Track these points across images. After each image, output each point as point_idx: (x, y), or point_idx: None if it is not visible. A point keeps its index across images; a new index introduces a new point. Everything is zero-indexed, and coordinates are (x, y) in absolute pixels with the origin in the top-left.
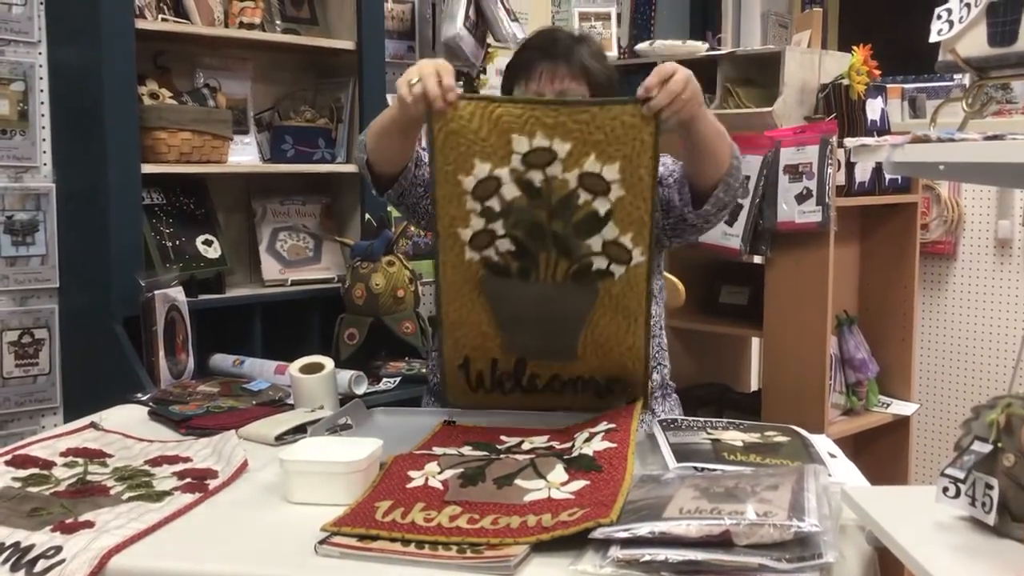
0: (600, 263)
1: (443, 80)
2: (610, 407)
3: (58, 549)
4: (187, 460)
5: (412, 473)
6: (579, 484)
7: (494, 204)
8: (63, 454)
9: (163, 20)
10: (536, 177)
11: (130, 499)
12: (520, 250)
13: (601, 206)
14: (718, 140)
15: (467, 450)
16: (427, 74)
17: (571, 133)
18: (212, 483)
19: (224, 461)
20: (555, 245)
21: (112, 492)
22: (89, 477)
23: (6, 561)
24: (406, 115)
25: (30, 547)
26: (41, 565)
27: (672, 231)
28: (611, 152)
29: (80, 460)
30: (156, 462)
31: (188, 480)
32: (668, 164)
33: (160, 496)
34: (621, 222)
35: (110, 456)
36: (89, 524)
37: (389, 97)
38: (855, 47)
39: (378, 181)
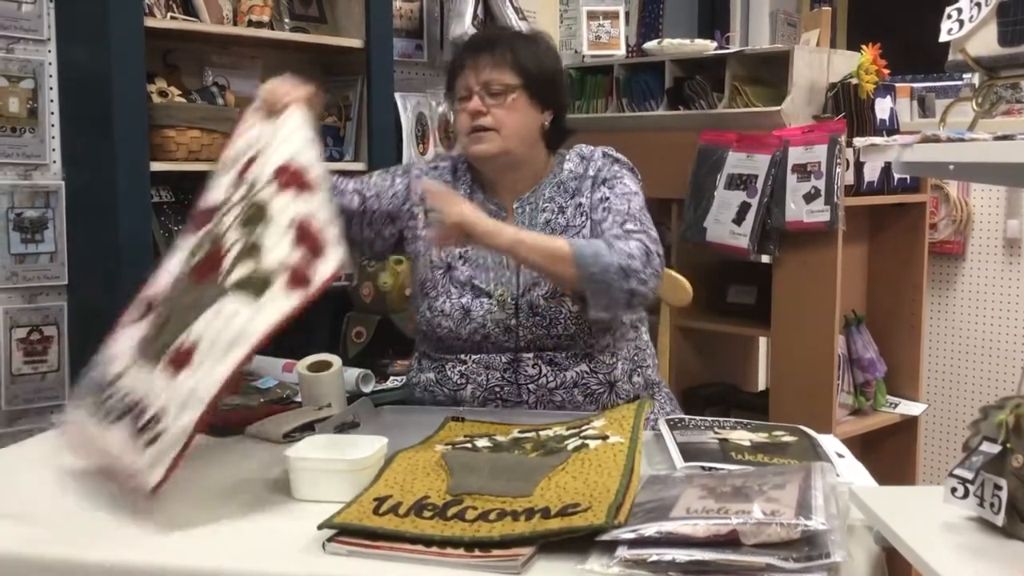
0: (574, 443)
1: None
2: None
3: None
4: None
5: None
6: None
7: None
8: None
9: (172, 18)
10: None
11: (233, 288)
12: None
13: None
14: (530, 254)
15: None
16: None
17: None
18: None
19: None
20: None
21: (223, 267)
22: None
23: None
24: None
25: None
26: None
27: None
28: None
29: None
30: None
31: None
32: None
33: (262, 287)
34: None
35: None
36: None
37: (397, 96)
38: (864, 46)
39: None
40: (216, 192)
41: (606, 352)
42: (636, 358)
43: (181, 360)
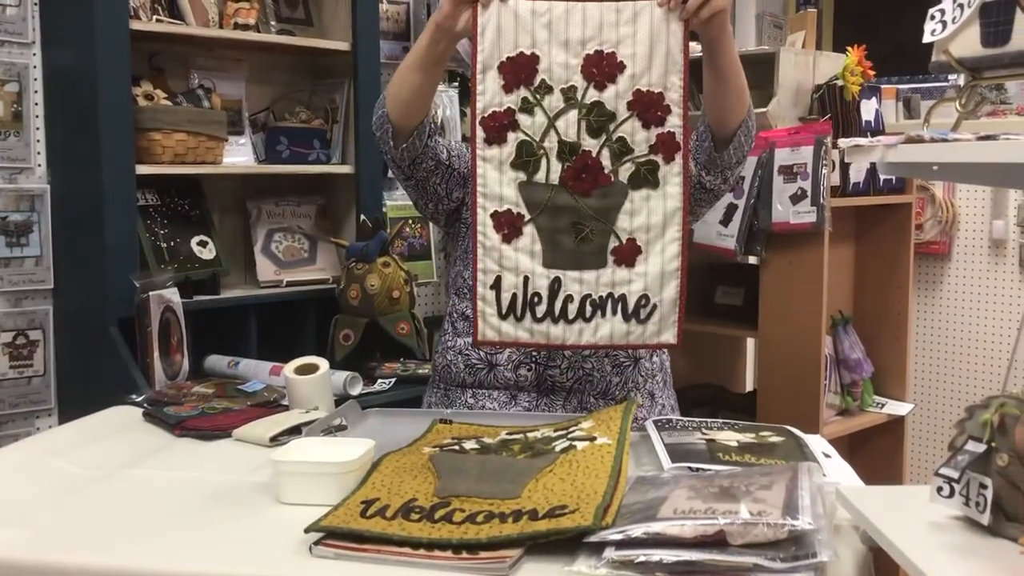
0: (561, 444)
1: None
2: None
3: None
4: None
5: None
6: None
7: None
8: None
9: (157, 21)
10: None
11: (632, 184)
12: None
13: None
14: (740, 73)
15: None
16: None
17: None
18: None
19: None
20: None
21: (606, 170)
22: None
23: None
24: (434, 36)
25: None
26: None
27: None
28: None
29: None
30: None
31: None
32: None
33: (653, 172)
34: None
35: None
36: (634, 249)
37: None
38: (849, 48)
39: (396, 135)
40: (490, 96)
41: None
42: None
43: (628, 253)
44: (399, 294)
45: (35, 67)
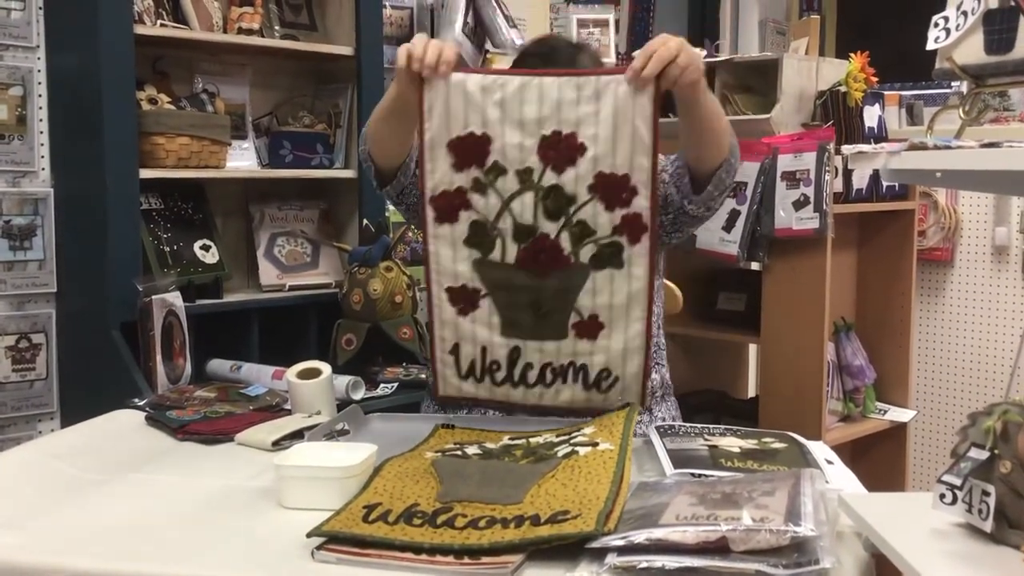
0: (564, 450)
1: (442, 52)
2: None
3: None
4: None
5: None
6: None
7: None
8: None
9: (162, 25)
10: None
11: (593, 265)
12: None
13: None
14: (718, 119)
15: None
16: (428, 44)
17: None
18: None
19: None
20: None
21: (565, 252)
22: None
23: None
24: (400, 89)
25: None
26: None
27: (672, 226)
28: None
29: None
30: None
31: None
32: (661, 160)
33: (617, 254)
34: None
35: None
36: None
37: None
38: (852, 54)
39: (380, 175)
40: (439, 175)
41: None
42: (655, 356)
43: (590, 329)
44: (401, 299)
45: (39, 71)
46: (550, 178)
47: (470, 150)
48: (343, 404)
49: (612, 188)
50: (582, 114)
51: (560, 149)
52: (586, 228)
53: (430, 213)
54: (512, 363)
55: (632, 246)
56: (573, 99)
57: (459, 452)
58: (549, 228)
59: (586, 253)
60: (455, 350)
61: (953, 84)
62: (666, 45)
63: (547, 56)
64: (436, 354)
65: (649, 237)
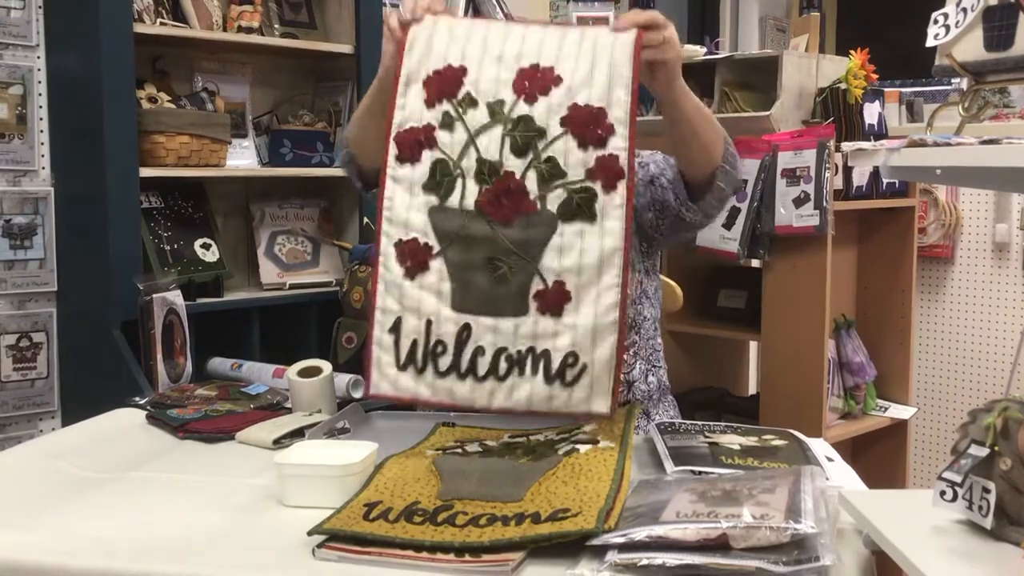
0: (564, 448)
1: (432, 3)
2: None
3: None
4: None
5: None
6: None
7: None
8: None
9: (161, 24)
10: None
11: (561, 215)
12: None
13: None
14: (705, 124)
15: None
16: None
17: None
18: None
19: None
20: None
21: (531, 196)
22: None
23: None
24: (386, 64)
25: None
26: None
27: (669, 231)
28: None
29: None
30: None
31: None
32: (660, 162)
33: (589, 203)
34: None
35: None
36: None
37: None
38: (853, 51)
39: (363, 176)
40: (409, 111)
41: (628, 351)
42: (652, 358)
43: (555, 300)
44: None
45: (39, 70)
46: (521, 108)
47: (445, 82)
48: (344, 402)
49: (587, 123)
50: (564, 53)
51: (535, 79)
52: (556, 167)
53: (392, 150)
54: (460, 344)
55: (606, 194)
56: (556, 42)
57: (460, 450)
58: (515, 165)
59: (554, 199)
60: (396, 326)
61: (953, 81)
62: (654, 15)
63: None
64: (374, 334)
65: (626, 186)
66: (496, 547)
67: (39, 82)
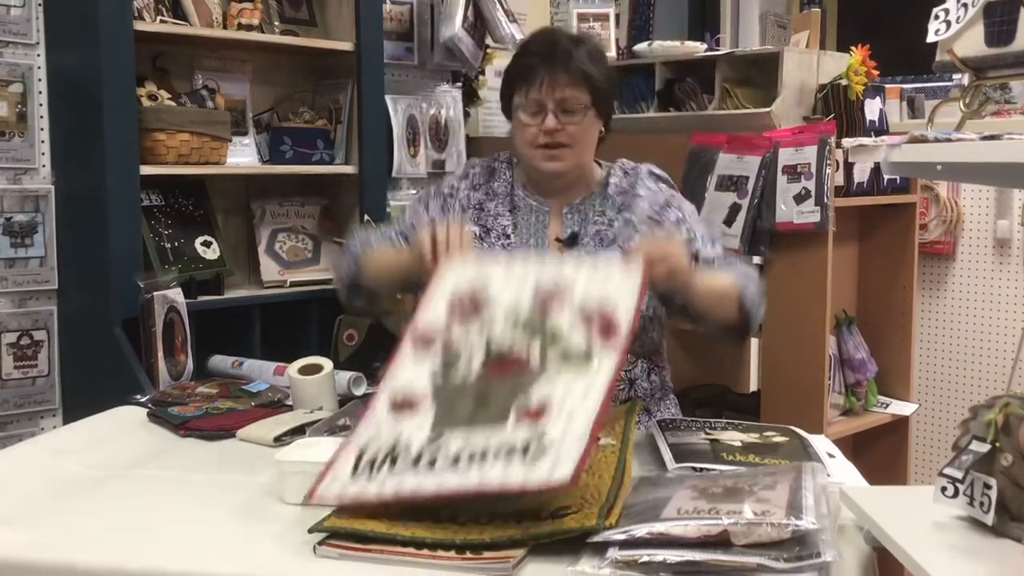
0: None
1: (461, 237)
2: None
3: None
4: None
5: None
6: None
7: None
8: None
9: (161, 22)
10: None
11: (558, 364)
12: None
13: None
14: (718, 300)
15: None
16: (447, 230)
17: None
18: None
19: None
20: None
21: (533, 358)
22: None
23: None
24: (417, 266)
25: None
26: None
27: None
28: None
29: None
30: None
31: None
32: (686, 211)
33: (585, 356)
34: None
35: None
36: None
37: (388, 99)
38: (853, 47)
39: (356, 291)
40: (430, 318)
41: (630, 351)
42: (654, 357)
43: (537, 414)
44: (402, 294)
45: (39, 68)
46: (536, 319)
47: (467, 305)
48: (345, 400)
49: (593, 316)
50: (580, 278)
51: (552, 297)
52: (557, 337)
53: (409, 342)
54: (421, 450)
55: (604, 342)
56: (571, 273)
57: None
58: (523, 346)
59: (552, 356)
60: (366, 446)
61: (954, 77)
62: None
63: (547, 54)
64: (339, 452)
65: (619, 350)
66: (497, 544)
67: (39, 80)
